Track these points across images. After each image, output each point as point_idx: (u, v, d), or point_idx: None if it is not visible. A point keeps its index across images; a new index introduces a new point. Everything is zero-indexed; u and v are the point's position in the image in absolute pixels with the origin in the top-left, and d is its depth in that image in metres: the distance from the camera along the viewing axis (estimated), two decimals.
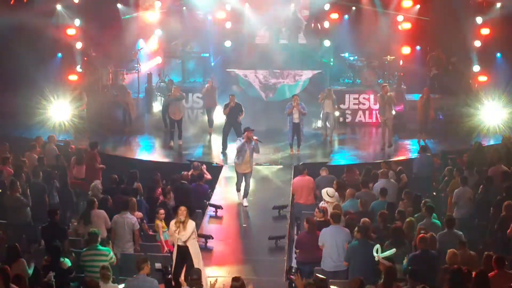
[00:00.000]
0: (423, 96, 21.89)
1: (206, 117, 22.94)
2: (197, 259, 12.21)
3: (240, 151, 16.30)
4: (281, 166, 19.49)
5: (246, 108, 20.73)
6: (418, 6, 24.69)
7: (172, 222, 12.33)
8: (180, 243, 12.24)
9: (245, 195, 16.59)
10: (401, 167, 17.50)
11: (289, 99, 21.34)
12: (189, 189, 16.25)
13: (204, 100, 22.99)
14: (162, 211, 14.07)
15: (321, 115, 21.98)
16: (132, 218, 13.64)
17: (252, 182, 17.04)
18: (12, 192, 15.17)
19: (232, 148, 20.36)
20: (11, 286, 10.45)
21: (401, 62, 24.85)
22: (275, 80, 25.09)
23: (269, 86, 25.17)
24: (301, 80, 24.94)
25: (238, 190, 16.70)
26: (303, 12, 26.23)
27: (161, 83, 24.65)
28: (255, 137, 16.24)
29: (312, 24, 26.07)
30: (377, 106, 22.79)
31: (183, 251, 12.29)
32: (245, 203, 16.51)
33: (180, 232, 12.14)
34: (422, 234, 11.64)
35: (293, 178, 17.90)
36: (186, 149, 21.20)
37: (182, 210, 12.22)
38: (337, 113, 22.57)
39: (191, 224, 12.28)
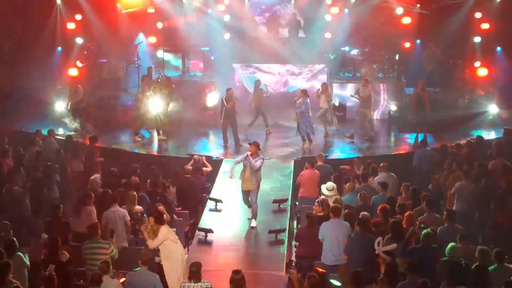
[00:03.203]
0: (418, 88, 21.89)
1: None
2: (169, 264, 12.09)
3: (242, 163, 15.31)
4: (281, 160, 19.49)
5: (247, 102, 20.73)
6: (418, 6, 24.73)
7: (143, 227, 12.36)
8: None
9: (254, 216, 15.36)
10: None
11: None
12: (193, 183, 16.23)
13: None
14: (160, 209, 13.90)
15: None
16: (122, 211, 13.58)
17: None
18: (10, 185, 15.17)
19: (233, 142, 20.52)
20: (9, 279, 10.50)
21: (397, 57, 24.78)
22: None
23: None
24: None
25: (249, 206, 15.59)
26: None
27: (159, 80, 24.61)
28: (248, 153, 15.14)
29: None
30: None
31: None
32: (253, 223, 15.27)
33: (149, 240, 12.15)
34: (428, 230, 11.59)
35: (293, 172, 17.93)
36: (186, 143, 21.19)
37: (150, 220, 12.22)
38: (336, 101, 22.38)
39: (161, 232, 12.10)
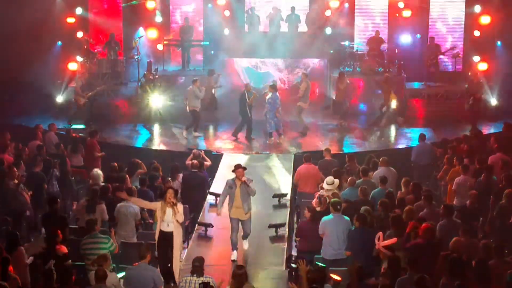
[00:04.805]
0: (386, 82, 22.05)
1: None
2: (178, 241, 12.33)
3: (228, 194, 13.52)
4: (281, 155, 19.47)
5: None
6: None
7: (159, 206, 12.38)
8: (164, 229, 12.28)
9: (245, 236, 13.74)
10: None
11: None
12: (201, 177, 16.21)
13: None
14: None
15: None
16: (135, 207, 13.59)
17: (252, 171, 16.70)
18: (8, 180, 15.17)
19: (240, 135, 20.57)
20: (11, 275, 10.53)
21: (396, 51, 24.77)
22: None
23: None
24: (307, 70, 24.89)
25: (234, 246, 13.43)
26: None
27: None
28: (243, 178, 13.30)
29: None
30: None
31: (169, 237, 12.32)
32: (245, 245, 13.76)
33: (176, 215, 12.20)
34: (426, 225, 11.58)
35: (293, 166, 17.91)
36: (185, 138, 21.16)
37: (171, 192, 12.30)
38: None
39: (181, 206, 12.37)
